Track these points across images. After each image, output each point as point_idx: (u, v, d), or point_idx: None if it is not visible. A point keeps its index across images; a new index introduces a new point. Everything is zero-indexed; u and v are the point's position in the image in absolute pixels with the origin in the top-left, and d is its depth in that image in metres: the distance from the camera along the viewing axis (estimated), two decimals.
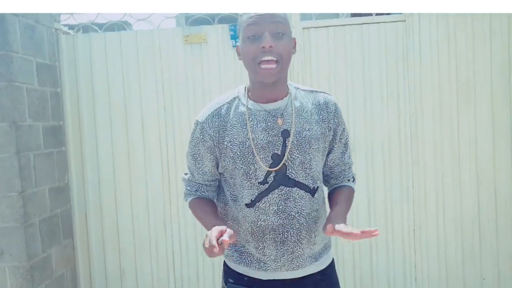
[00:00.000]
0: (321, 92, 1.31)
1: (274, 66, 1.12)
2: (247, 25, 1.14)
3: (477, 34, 2.88)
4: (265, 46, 1.11)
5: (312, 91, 1.30)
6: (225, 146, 1.22)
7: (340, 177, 1.36)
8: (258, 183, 1.21)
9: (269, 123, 1.20)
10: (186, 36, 2.95)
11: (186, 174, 1.36)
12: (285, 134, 1.20)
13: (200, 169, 1.29)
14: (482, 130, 2.89)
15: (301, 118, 1.22)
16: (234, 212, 1.29)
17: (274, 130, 1.20)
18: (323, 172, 1.35)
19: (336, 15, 3.91)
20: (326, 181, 1.39)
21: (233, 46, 2.93)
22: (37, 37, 2.64)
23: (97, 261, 3.02)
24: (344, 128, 1.31)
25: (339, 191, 1.34)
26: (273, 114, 1.20)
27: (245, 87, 1.27)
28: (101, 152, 2.97)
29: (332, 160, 1.32)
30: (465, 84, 2.90)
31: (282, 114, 1.21)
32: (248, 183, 1.21)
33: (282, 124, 1.20)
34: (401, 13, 2.95)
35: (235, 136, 1.21)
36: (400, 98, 2.92)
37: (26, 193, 2.41)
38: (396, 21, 2.94)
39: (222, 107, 1.25)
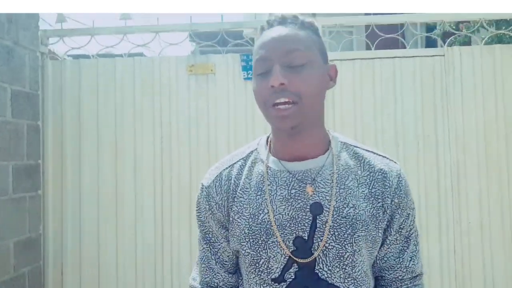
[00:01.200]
0: (380, 155, 0.91)
1: (289, 106, 0.80)
2: (255, 58, 0.85)
3: None
4: (274, 84, 0.79)
5: (367, 151, 0.92)
6: (231, 219, 0.87)
7: None
8: (271, 280, 0.83)
9: (293, 191, 0.84)
10: (191, 66, 2.57)
11: (194, 279, 0.95)
12: (317, 209, 0.83)
13: (218, 257, 0.91)
14: None
15: (344, 189, 0.85)
16: None
17: (299, 201, 0.83)
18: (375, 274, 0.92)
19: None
20: None
21: (245, 79, 2.54)
22: (16, 61, 2.26)
23: None
24: (409, 214, 0.89)
25: None
26: (299, 177, 0.85)
27: (268, 138, 0.93)
28: (85, 197, 2.52)
29: (385, 258, 0.89)
30: None
31: (314, 179, 0.85)
32: (257, 278, 0.84)
33: (313, 194, 0.83)
34: (440, 47, 2.56)
35: (244, 206, 0.86)
36: (439, 144, 2.49)
37: None
38: (433, 56, 2.57)
39: (234, 165, 0.91)
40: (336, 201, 0.83)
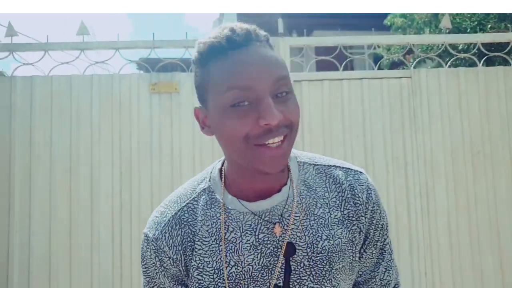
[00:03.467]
0: (344, 167, 0.81)
1: (282, 145, 0.67)
2: (226, 86, 0.66)
3: (491, 92, 2.53)
4: (272, 122, 0.65)
5: (328, 166, 0.80)
6: (191, 275, 0.75)
7: None
8: None
9: (261, 235, 0.73)
10: (154, 84, 2.43)
11: None
12: (289, 250, 0.74)
13: None
14: (502, 205, 2.46)
15: (315, 219, 0.75)
16: None
17: (269, 245, 0.73)
18: None
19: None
20: None
21: None
22: None
23: None
24: (383, 224, 0.80)
25: None
26: (267, 218, 0.74)
27: (221, 170, 0.80)
28: (35, 230, 2.30)
29: (359, 273, 0.81)
30: (481, 151, 2.49)
31: (281, 215, 0.74)
32: None
33: (281, 233, 0.73)
34: (407, 68, 2.56)
35: (205, 259, 0.74)
36: (408, 166, 2.47)
37: None
38: (401, 77, 2.56)
39: (184, 208, 0.78)
40: (308, 236, 0.73)
